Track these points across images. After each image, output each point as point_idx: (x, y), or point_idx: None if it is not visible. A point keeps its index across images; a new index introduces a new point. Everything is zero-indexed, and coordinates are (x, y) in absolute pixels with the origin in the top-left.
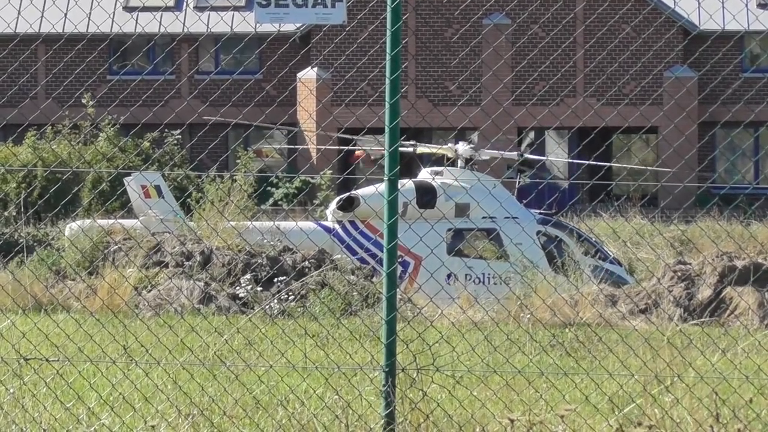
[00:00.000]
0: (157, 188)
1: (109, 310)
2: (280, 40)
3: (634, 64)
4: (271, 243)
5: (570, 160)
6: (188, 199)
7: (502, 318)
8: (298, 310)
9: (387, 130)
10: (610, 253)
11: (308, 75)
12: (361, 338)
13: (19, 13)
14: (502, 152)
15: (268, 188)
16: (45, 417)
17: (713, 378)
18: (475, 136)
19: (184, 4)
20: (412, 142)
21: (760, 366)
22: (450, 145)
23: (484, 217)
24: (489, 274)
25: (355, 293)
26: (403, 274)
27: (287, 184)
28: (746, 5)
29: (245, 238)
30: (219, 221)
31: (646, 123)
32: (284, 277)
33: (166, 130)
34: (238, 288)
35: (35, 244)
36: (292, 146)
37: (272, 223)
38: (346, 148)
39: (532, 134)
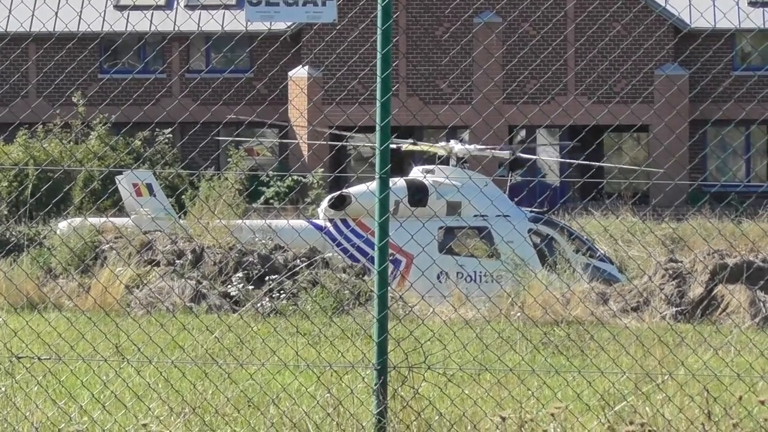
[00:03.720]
0: (149, 186)
1: (100, 309)
2: (271, 39)
3: (624, 62)
4: (263, 241)
5: (561, 160)
6: (182, 196)
7: (494, 316)
8: (290, 308)
9: (378, 128)
10: (601, 251)
11: (299, 73)
12: (353, 336)
13: (9, 11)
14: (493, 149)
15: (259, 187)
16: (37, 415)
17: (704, 376)
18: (466, 135)
19: (175, 2)
20: (411, 140)
21: (751, 364)
22: (443, 143)
23: (475, 215)
24: (480, 272)
25: (346, 291)
26: (395, 272)
27: (278, 183)
28: (737, 3)
29: (237, 237)
30: (210, 220)
31: (637, 121)
32: (276, 276)
33: (157, 128)
34: (229, 286)
35: (27, 242)
36: (286, 140)
37: (264, 221)
38: (339, 143)
39: (523, 132)
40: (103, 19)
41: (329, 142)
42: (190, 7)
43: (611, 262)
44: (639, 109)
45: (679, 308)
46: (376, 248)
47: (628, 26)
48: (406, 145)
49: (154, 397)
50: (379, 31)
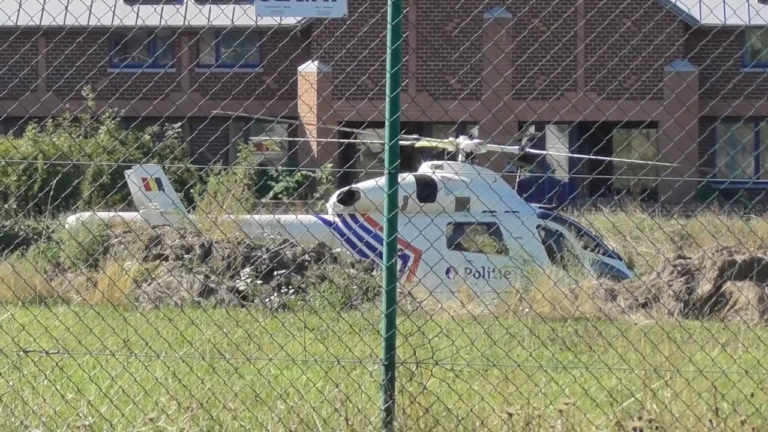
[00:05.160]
0: (158, 181)
1: (108, 303)
2: (281, 34)
3: (634, 58)
4: (271, 236)
5: (570, 155)
6: (191, 191)
7: (502, 312)
8: (298, 303)
9: (387, 123)
10: (610, 248)
11: (309, 68)
12: (361, 332)
13: (20, 5)
14: (503, 146)
15: (269, 182)
16: (45, 409)
17: (713, 372)
18: (475, 130)
19: None
20: (414, 136)
21: (759, 360)
22: (451, 138)
23: (484, 211)
24: (489, 268)
25: (354, 287)
26: (403, 268)
27: (287, 178)
28: (747, 0)
29: (245, 231)
30: (219, 214)
31: (646, 117)
32: (284, 271)
33: (166, 123)
34: (237, 281)
35: (35, 236)
36: (294, 139)
37: (272, 216)
38: (347, 141)
39: (532, 128)
40: (113, 14)
41: (339, 140)
42: (200, 1)
43: (620, 259)
44: (648, 106)
45: (687, 305)
46: (384, 243)
47: (638, 22)
48: (416, 142)
49: (162, 392)
50: (389, 27)
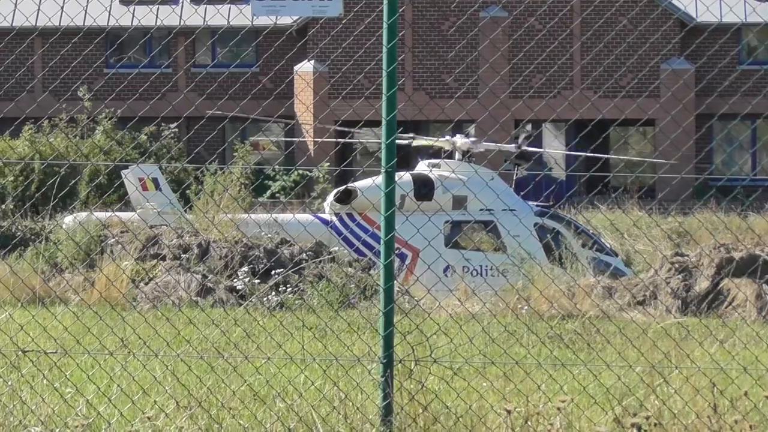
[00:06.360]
0: (155, 181)
1: (106, 303)
2: (277, 33)
3: (630, 56)
4: (269, 235)
5: (567, 152)
6: (187, 191)
7: (500, 310)
8: (296, 302)
9: (384, 122)
10: (608, 245)
11: (305, 68)
12: (359, 330)
13: (15, 6)
14: (499, 144)
15: (266, 181)
16: (43, 409)
17: (711, 369)
18: (472, 129)
19: None
20: (410, 135)
21: (757, 357)
22: (448, 137)
23: (481, 209)
24: (487, 266)
25: (352, 285)
26: (401, 266)
27: (284, 177)
28: None
29: (243, 231)
30: (216, 214)
31: (643, 115)
32: (282, 270)
33: (162, 123)
34: (235, 280)
35: (33, 237)
36: (291, 139)
37: (270, 215)
38: (343, 140)
39: (529, 126)
40: (109, 14)
41: (335, 140)
42: (196, 1)
43: (617, 256)
44: (645, 103)
45: (685, 302)
46: (381, 242)
47: (634, 20)
48: (413, 141)
49: (161, 391)
50: (384, 26)
